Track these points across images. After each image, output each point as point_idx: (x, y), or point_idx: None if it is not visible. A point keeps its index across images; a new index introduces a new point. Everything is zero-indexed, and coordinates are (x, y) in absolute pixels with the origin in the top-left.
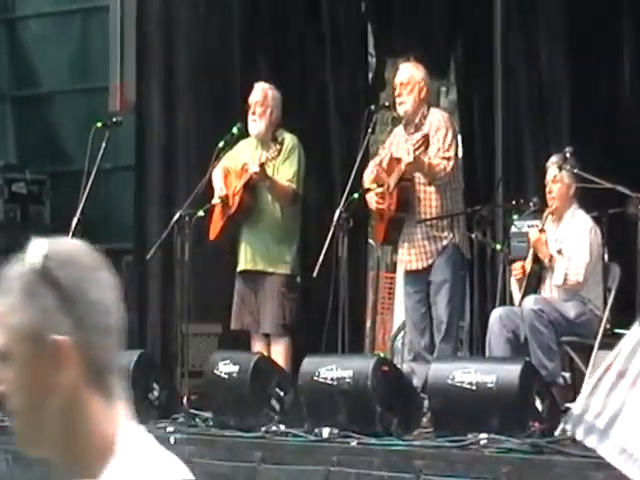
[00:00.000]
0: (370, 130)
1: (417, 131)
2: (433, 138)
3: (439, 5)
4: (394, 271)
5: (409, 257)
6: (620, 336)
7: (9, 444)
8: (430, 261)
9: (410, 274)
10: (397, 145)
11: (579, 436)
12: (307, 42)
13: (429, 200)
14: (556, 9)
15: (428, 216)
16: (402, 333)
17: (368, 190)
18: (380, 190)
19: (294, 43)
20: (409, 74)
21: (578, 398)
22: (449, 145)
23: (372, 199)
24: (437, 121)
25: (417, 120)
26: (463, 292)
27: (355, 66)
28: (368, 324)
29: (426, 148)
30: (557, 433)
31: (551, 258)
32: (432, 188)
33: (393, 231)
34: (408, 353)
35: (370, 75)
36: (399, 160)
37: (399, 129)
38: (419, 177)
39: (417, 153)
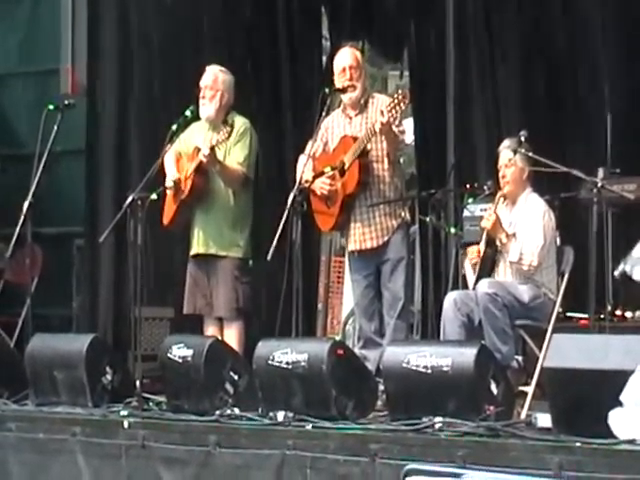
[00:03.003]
0: (324, 113)
1: (360, 113)
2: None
3: None
4: (343, 255)
5: (362, 237)
6: (573, 320)
7: None
8: (386, 238)
9: (360, 256)
10: (337, 129)
11: (636, 275)
12: (261, 25)
13: (383, 178)
14: None
15: (383, 194)
16: (352, 318)
17: (321, 174)
18: (332, 172)
19: (248, 26)
20: (355, 58)
21: (638, 244)
22: (400, 122)
23: (322, 184)
24: (386, 100)
25: (362, 103)
26: (413, 272)
27: (309, 49)
28: (319, 308)
29: (399, 108)
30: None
31: (507, 235)
32: (386, 166)
33: (345, 213)
34: (358, 340)
35: (324, 58)
36: (355, 138)
37: (336, 114)
38: (373, 155)
39: (393, 112)
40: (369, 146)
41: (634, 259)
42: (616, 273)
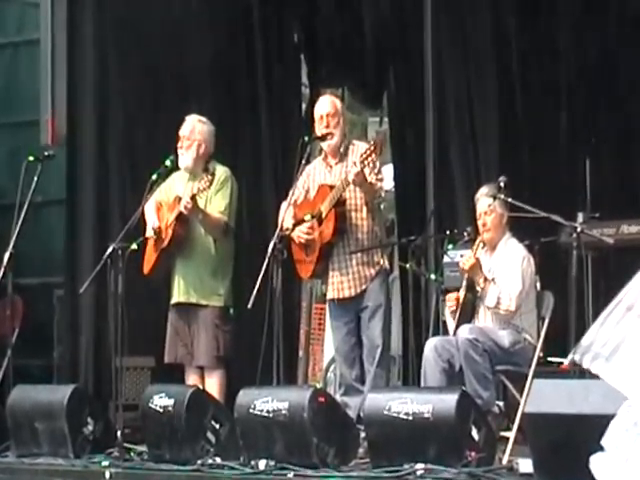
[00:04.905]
0: (304, 161)
1: (341, 161)
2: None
3: (372, 36)
4: (324, 302)
5: (340, 285)
6: (554, 364)
7: None
8: (364, 286)
9: (339, 304)
10: (318, 176)
11: (586, 364)
12: (240, 72)
13: (362, 227)
14: (486, 43)
15: (361, 242)
16: (334, 365)
17: (301, 222)
18: (311, 221)
19: (227, 74)
20: (334, 106)
21: (588, 330)
22: (379, 170)
23: (300, 232)
24: (363, 149)
25: (341, 150)
26: (391, 319)
27: (288, 96)
28: (300, 355)
29: (371, 159)
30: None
31: (485, 279)
32: (364, 214)
33: (323, 261)
34: (339, 387)
35: (304, 105)
36: (332, 187)
37: (318, 162)
38: (351, 204)
39: (366, 162)
40: (346, 195)
41: (583, 347)
42: (566, 362)
